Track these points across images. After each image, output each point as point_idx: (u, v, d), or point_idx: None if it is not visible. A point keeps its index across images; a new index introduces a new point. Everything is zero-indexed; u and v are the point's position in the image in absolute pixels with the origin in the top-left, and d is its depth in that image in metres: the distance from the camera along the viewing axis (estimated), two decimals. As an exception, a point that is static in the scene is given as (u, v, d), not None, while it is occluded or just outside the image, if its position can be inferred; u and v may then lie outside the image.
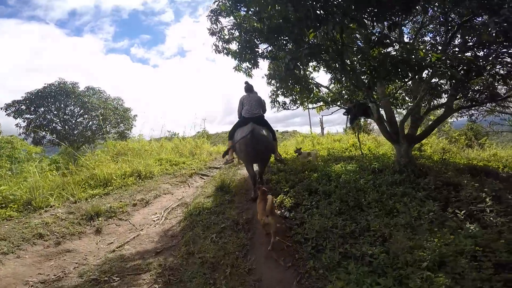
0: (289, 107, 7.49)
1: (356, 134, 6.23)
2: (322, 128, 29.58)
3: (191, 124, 15.89)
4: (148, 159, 6.79)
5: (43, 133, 16.95)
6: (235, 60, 5.26)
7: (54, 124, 17.85)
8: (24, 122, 17.14)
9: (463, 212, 3.02)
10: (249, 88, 5.00)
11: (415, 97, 5.84)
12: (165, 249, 3.02)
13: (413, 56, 3.20)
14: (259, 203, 3.01)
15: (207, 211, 3.77)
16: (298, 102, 7.43)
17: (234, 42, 5.16)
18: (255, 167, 4.54)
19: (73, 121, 18.41)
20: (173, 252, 2.93)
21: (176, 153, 8.84)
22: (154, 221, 3.84)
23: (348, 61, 4.55)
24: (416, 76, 4.23)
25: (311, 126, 26.96)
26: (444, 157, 6.28)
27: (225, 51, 5.24)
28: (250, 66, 5.37)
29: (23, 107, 17.17)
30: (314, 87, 6.94)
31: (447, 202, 3.40)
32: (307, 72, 6.74)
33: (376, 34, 3.59)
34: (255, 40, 4.99)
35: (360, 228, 2.81)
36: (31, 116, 17.37)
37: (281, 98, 7.49)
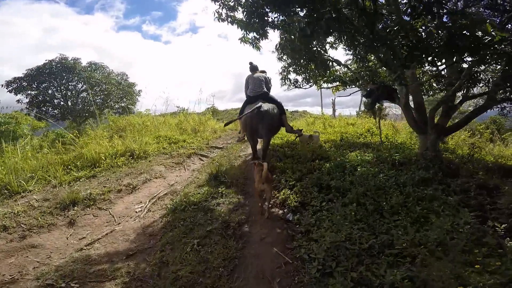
0: (301, 86, 6.72)
1: (377, 120, 5.51)
2: (334, 110, 28.44)
3: (198, 100, 15.20)
4: (145, 137, 6.29)
5: (45, 108, 16.75)
6: (241, 30, 4.52)
7: (56, 100, 17.63)
8: (26, 98, 16.92)
9: (503, 226, 2.39)
10: (253, 68, 5.11)
11: (448, 83, 4.99)
12: (139, 252, 2.55)
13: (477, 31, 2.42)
14: (257, 174, 3.15)
15: (193, 207, 3.21)
16: (312, 80, 6.65)
17: (240, 8, 4.39)
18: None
19: (76, 96, 18.09)
20: (148, 256, 2.47)
21: (178, 129, 8.32)
22: (136, 212, 3.38)
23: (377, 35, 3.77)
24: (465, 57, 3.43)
25: (322, 107, 25.90)
26: (471, 153, 5.50)
27: (229, 19, 4.48)
28: (257, 37, 4.62)
29: (24, 83, 16.76)
30: (332, 64, 6.13)
31: (482, 211, 2.78)
32: (324, 48, 5.89)
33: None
34: (265, 7, 4.21)
35: (380, 244, 2.24)
36: (32, 92, 17.02)
37: (292, 76, 6.71)
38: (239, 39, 4.73)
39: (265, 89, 4.81)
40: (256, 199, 3.25)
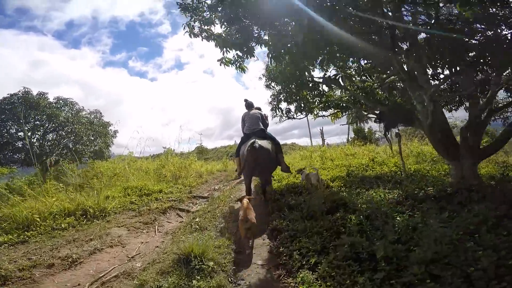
0: (294, 116, 5.84)
1: (399, 147, 4.51)
2: (323, 139, 27.93)
3: (178, 140, 13.68)
4: (107, 189, 5.06)
5: (7, 151, 14.57)
6: (219, 49, 3.69)
7: (20, 142, 14.96)
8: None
9: None
10: (249, 104, 5.01)
11: (469, 95, 4.21)
12: None
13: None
14: (241, 210, 3.04)
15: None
16: (306, 108, 5.80)
17: (217, 21, 3.61)
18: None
19: (42, 138, 15.65)
20: None
21: (156, 176, 7.11)
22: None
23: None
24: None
25: (311, 138, 25.43)
26: (506, 173, 4.53)
27: (204, 34, 3.67)
28: (241, 55, 3.80)
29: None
30: (322, 89, 5.36)
31: None
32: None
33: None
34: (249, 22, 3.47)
35: None
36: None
37: (284, 105, 5.86)
38: (218, 60, 3.89)
39: (261, 126, 4.74)
40: (242, 239, 2.97)
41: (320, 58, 3.98)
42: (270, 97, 5.91)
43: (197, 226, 3.49)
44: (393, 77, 4.55)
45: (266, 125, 4.94)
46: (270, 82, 5.65)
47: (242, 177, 4.98)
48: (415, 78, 3.61)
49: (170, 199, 5.16)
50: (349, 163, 6.90)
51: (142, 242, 3.36)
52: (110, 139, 17.10)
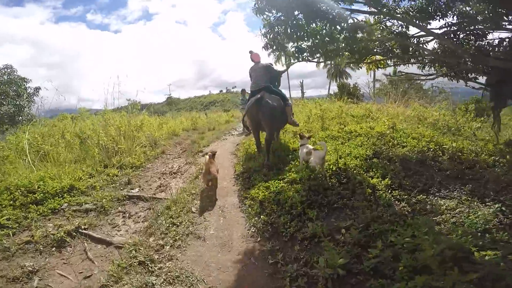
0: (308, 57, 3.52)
1: (495, 129, 2.74)
2: (303, 92, 25.81)
3: (156, 91, 10.54)
4: None
5: None
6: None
7: None
8: None
9: None
10: (255, 56, 4.62)
11: None
12: None
13: None
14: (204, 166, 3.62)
15: None
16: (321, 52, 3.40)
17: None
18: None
19: None
20: None
21: (82, 154, 4.70)
22: None
23: None
24: None
25: (290, 90, 23.21)
26: None
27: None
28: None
29: None
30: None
31: None
32: None
33: None
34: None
35: None
36: None
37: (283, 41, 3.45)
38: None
39: (267, 83, 4.33)
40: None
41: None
42: (263, 30, 3.44)
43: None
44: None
45: (274, 77, 4.59)
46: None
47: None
48: None
49: (81, 209, 2.92)
50: (358, 130, 4.86)
51: None
52: (27, 99, 12.72)
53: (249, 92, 4.59)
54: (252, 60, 4.59)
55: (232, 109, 20.68)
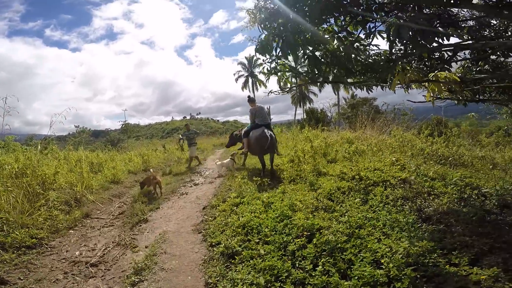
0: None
1: None
2: (270, 119, 25.03)
3: (115, 115, 8.83)
4: None
5: None
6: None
7: None
8: None
9: None
10: (252, 99, 6.28)
11: None
12: None
13: None
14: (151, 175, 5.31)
15: None
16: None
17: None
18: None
19: None
20: None
21: None
22: None
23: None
24: None
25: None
26: None
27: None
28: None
29: None
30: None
31: None
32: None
33: None
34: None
35: None
36: None
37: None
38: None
39: (269, 121, 6.26)
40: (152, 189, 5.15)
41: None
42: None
43: None
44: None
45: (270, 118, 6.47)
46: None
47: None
48: None
49: None
50: (377, 174, 3.67)
51: None
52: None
53: (257, 123, 5.89)
54: (250, 101, 6.21)
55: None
